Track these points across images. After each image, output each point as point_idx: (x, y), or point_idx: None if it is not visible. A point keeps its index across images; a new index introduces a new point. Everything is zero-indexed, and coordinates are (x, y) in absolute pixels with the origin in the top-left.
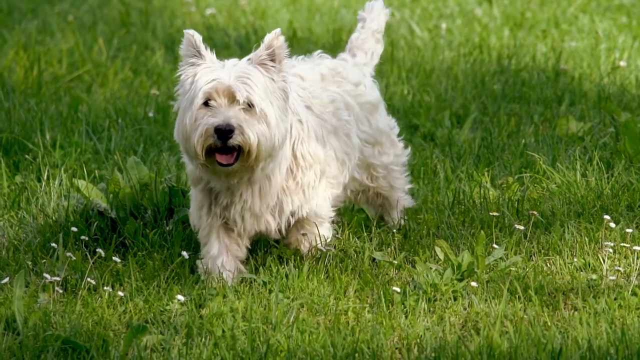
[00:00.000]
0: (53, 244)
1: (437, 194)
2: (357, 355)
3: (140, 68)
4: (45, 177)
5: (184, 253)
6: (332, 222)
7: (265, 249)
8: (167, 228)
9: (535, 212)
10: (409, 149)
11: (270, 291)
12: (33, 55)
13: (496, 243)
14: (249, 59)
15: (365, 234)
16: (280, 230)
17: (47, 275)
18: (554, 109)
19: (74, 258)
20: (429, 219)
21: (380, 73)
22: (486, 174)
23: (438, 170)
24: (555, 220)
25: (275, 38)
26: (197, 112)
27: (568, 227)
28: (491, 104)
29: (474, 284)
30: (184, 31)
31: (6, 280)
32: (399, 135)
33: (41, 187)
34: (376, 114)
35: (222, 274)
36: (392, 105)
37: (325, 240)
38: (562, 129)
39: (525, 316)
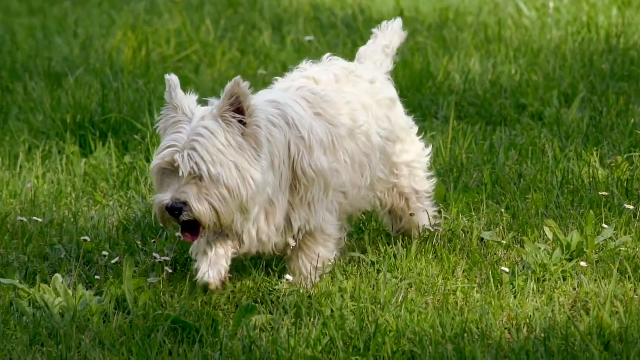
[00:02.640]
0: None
1: (545, 174)
2: (466, 335)
3: (247, 48)
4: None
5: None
6: (339, 239)
7: (376, 230)
8: None
9: None
10: (430, 148)
11: (379, 271)
12: (141, 35)
13: (605, 223)
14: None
15: (473, 213)
16: (280, 248)
17: (157, 255)
18: None
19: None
20: (537, 199)
21: (488, 53)
22: (595, 153)
23: (546, 149)
24: None
25: (235, 86)
26: (156, 184)
27: None
28: (600, 83)
29: (583, 264)
30: (165, 76)
31: (116, 260)
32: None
33: (150, 167)
34: (395, 109)
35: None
36: (500, 84)
37: (325, 263)
38: None
39: (635, 296)
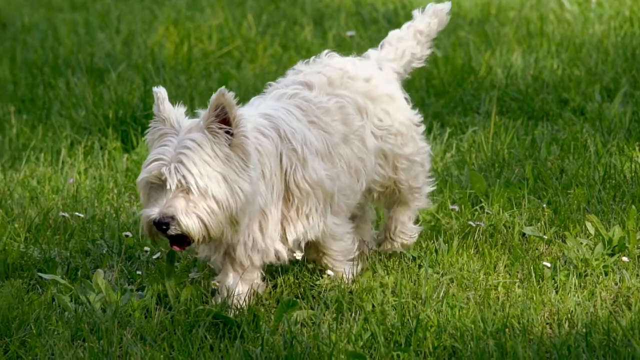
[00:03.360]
0: None
1: (587, 169)
2: (507, 330)
3: (289, 43)
4: None
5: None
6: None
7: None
8: None
9: None
10: (429, 148)
11: (420, 266)
12: (183, 31)
13: None
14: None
15: (515, 208)
16: (287, 258)
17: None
18: None
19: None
20: (579, 194)
21: (530, 47)
22: (637, 148)
23: (588, 144)
24: None
25: (221, 96)
26: (143, 198)
27: None
28: None
29: (625, 258)
30: (153, 89)
31: (158, 255)
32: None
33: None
34: (394, 104)
35: (239, 303)
36: (542, 79)
37: (346, 255)
38: None
39: None
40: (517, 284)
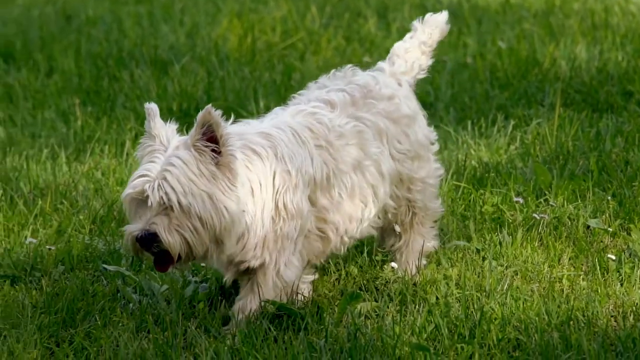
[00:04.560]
0: None
1: None
2: (571, 323)
3: (352, 35)
4: None
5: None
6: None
7: (480, 217)
8: None
9: None
10: (442, 170)
11: (484, 259)
12: (247, 23)
13: None
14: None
15: (579, 201)
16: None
17: None
18: None
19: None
20: None
21: (594, 39)
22: None
23: None
24: None
25: (207, 114)
26: (128, 214)
27: None
28: None
29: None
30: (145, 105)
31: None
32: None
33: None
34: (414, 126)
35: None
36: (607, 71)
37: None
38: None
39: None
40: (581, 276)
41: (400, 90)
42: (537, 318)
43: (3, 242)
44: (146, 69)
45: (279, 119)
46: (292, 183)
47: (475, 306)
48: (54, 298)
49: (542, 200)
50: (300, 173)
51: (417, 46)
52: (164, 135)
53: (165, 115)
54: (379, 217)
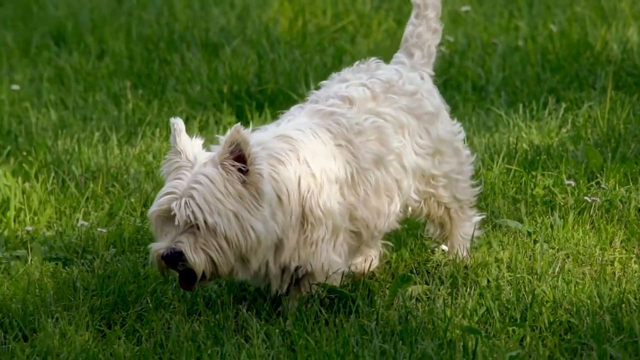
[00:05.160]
0: None
1: None
2: (623, 305)
3: (403, 19)
4: None
5: None
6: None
7: (532, 200)
8: None
9: None
10: (475, 156)
11: (535, 241)
12: (297, 6)
13: None
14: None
15: (631, 184)
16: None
17: None
18: None
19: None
20: None
21: None
22: None
23: None
24: None
25: (236, 133)
26: (155, 231)
27: None
28: None
29: None
30: (170, 120)
31: None
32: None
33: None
34: (436, 122)
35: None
36: None
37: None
38: None
39: None
40: (633, 259)
41: (424, 85)
42: (588, 301)
43: (55, 225)
44: (197, 52)
45: (297, 120)
46: (317, 184)
47: (527, 289)
48: (105, 280)
49: (593, 183)
50: (324, 172)
51: (426, 27)
52: (190, 151)
53: (216, 97)
54: (401, 211)
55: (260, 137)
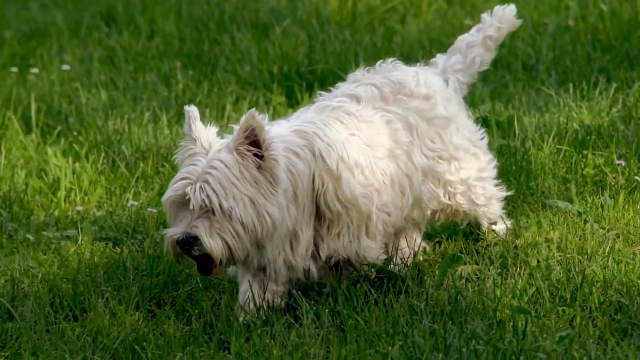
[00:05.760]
0: None
1: None
2: None
3: None
4: None
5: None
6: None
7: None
8: None
9: None
10: (496, 161)
11: (586, 221)
12: None
13: None
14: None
15: None
16: (318, 275)
17: None
18: None
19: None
20: None
21: None
22: None
23: None
24: None
25: (251, 118)
26: (169, 217)
27: None
28: None
29: None
30: (185, 108)
31: None
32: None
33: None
34: (450, 128)
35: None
36: None
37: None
38: None
39: None
40: None
41: (443, 91)
42: (639, 281)
43: (105, 205)
44: (247, 33)
45: (305, 116)
46: (335, 178)
47: (577, 269)
48: (155, 260)
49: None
50: (342, 161)
51: (481, 41)
52: (205, 138)
53: (266, 78)
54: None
55: (277, 131)
